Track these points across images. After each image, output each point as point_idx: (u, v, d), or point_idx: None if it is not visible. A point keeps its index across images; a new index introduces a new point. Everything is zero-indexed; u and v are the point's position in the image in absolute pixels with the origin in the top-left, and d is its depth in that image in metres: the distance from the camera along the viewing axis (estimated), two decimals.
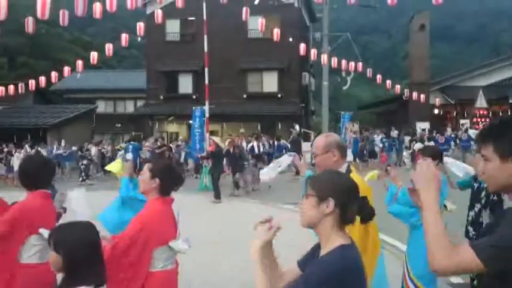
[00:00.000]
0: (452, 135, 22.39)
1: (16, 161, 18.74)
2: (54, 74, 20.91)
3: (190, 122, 21.65)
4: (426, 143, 20.72)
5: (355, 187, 1.82)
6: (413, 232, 4.07)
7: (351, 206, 1.78)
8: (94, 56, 19.77)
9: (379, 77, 23.82)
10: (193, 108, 18.11)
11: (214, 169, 13.19)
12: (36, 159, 3.66)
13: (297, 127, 23.76)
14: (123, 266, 2.90)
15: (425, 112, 28.37)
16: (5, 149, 19.89)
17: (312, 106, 36.28)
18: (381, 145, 21.55)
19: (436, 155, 4.51)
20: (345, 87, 28.80)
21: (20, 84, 21.28)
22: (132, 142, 19.07)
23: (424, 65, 30.21)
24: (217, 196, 12.43)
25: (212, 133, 21.69)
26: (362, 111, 45.47)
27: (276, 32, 20.54)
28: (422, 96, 25.82)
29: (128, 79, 34.17)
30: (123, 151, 18.48)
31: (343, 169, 2.96)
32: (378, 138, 22.68)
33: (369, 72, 23.40)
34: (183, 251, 3.04)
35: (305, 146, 21.14)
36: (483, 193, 4.44)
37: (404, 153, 18.78)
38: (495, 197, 4.16)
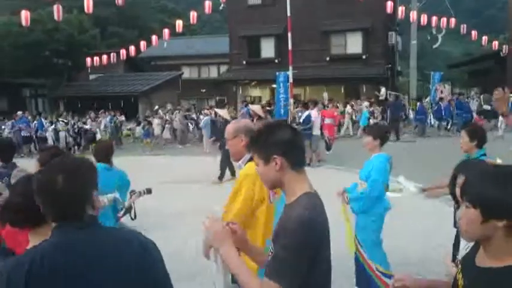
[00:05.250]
0: None
1: (156, 126, 20.28)
2: (142, 43, 21.63)
3: (273, 86, 21.66)
4: None
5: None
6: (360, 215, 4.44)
7: None
8: (179, 24, 20.15)
9: (474, 33, 22.05)
10: (277, 73, 18.00)
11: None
12: None
13: (383, 89, 22.95)
14: None
15: None
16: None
17: (399, 66, 34.68)
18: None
19: None
20: (435, 46, 27.09)
21: (111, 54, 22.22)
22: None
23: None
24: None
25: (295, 97, 21.55)
26: (452, 70, 42.77)
27: None
28: None
29: (211, 44, 34.67)
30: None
31: (245, 158, 3.04)
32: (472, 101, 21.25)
33: (463, 28, 21.71)
34: None
35: None
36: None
37: (501, 118, 16.89)
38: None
